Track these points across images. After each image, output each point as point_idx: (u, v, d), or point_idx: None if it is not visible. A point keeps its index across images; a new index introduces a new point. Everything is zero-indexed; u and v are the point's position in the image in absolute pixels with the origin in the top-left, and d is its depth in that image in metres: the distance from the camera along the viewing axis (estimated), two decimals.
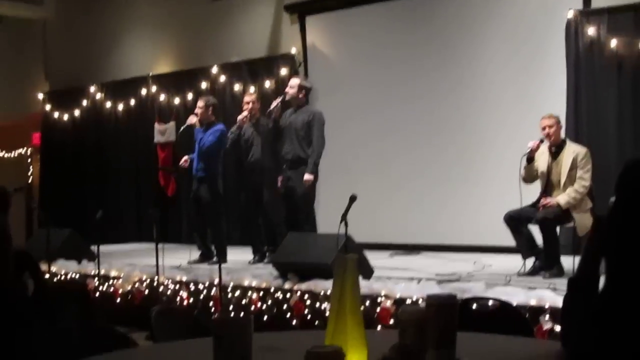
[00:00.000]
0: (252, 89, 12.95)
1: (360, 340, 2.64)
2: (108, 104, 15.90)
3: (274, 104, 10.11)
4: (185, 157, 10.94)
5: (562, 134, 8.80)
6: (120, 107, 15.66)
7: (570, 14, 10.33)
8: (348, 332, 2.62)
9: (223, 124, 10.85)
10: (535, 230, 8.57)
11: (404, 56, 11.92)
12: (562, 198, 8.39)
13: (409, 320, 2.70)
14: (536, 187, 8.78)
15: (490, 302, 4.08)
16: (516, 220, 8.57)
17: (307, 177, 9.75)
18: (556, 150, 8.61)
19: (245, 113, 10.46)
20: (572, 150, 8.52)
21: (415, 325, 2.69)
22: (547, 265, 8.34)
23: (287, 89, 10.14)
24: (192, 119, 10.74)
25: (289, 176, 9.93)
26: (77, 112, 16.50)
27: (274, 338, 3.23)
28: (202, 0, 14.54)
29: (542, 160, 8.65)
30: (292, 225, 9.77)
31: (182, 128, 11.03)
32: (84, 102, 16.32)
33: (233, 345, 2.34)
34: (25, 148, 18.37)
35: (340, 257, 2.76)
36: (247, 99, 10.67)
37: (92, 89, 16.12)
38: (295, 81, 10.22)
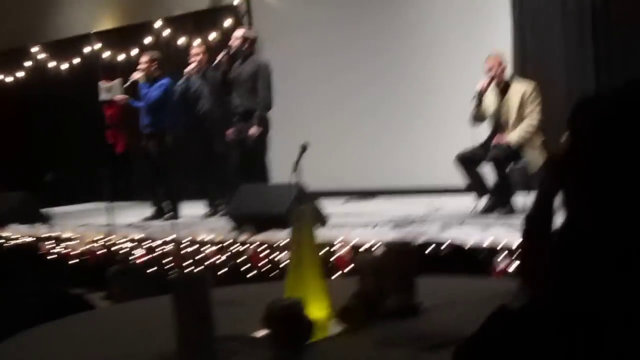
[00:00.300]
0: (198, 41, 12.80)
1: (320, 291, 2.63)
2: (52, 64, 15.67)
3: (219, 56, 10.03)
4: (123, 97, 10.88)
5: (508, 72, 8.81)
6: (65, 66, 15.45)
7: None
8: (307, 283, 2.60)
9: (169, 78, 10.75)
10: (487, 170, 8.61)
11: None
12: (513, 136, 8.43)
13: (368, 267, 2.70)
14: (487, 126, 8.82)
15: (444, 245, 4.11)
16: (468, 161, 8.60)
17: (253, 130, 9.72)
18: (503, 89, 8.63)
19: (192, 65, 10.38)
20: (519, 88, 8.54)
21: (374, 271, 2.69)
22: (500, 203, 8.40)
23: (231, 42, 10.07)
24: (136, 75, 10.65)
25: (239, 128, 9.88)
26: (20, 74, 16.24)
27: (233, 292, 3.21)
28: None
29: (489, 100, 8.67)
30: (245, 177, 9.74)
31: (124, 85, 10.90)
32: (27, 63, 16.06)
33: (192, 302, 2.31)
34: None
35: (295, 209, 2.74)
36: (194, 50, 10.59)
37: (35, 49, 15.87)
38: (238, 33, 10.15)
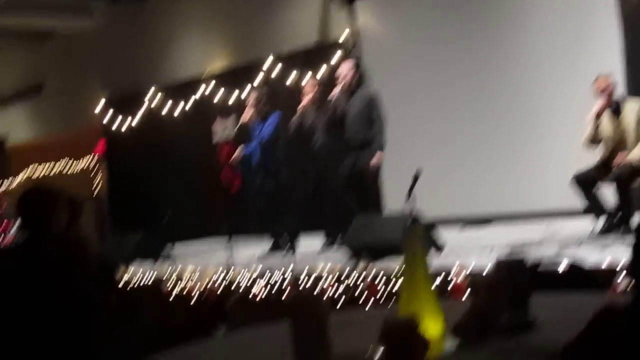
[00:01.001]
0: (312, 75, 12.86)
1: (434, 309, 2.66)
2: (167, 106, 16.02)
3: (332, 93, 10.10)
4: (238, 150, 11.04)
5: (619, 92, 8.69)
6: (179, 107, 15.79)
7: None
8: (421, 300, 2.64)
9: (279, 112, 10.91)
10: (603, 190, 8.50)
11: (455, 32, 11.85)
12: (635, 154, 8.29)
13: (481, 285, 2.72)
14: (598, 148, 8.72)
15: (563, 264, 4.08)
16: (585, 182, 8.49)
17: (377, 157, 9.84)
18: (616, 109, 8.52)
19: (306, 101, 10.52)
20: (634, 107, 8.43)
21: (487, 289, 2.70)
22: (620, 223, 8.26)
23: (341, 76, 10.16)
24: (246, 117, 10.78)
25: (356, 159, 9.96)
26: (137, 117, 16.65)
27: (349, 315, 3.26)
28: None
29: (604, 122, 8.57)
30: (362, 207, 9.81)
31: (238, 125, 11.03)
32: (143, 107, 16.45)
33: (309, 323, 2.36)
34: (89, 158, 18.63)
35: (408, 229, 2.79)
36: (307, 86, 10.72)
37: (150, 92, 16.26)
38: (347, 65, 10.27)
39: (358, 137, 9.98)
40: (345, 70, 10.21)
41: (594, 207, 8.51)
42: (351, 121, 10.00)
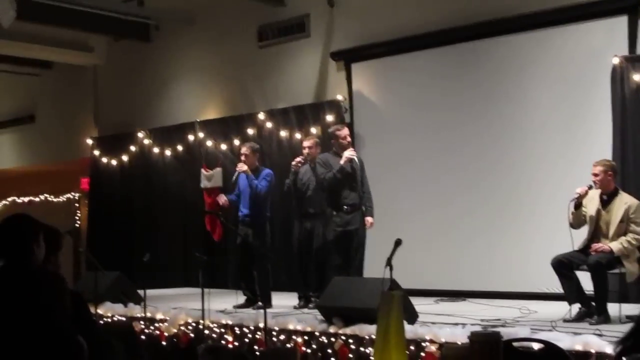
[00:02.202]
0: (307, 133, 12.91)
1: None
2: (156, 150, 16.06)
3: (342, 160, 10.13)
4: (224, 198, 11.05)
5: (614, 183, 8.76)
6: (168, 152, 15.83)
7: (616, 60, 10.29)
8: None
9: (270, 169, 10.98)
10: (581, 277, 8.53)
11: (450, 102, 11.94)
12: (614, 245, 8.37)
13: (453, 356, 2.73)
14: (583, 234, 8.76)
15: (536, 344, 4.09)
16: (565, 266, 8.53)
17: (372, 220, 10.22)
18: (607, 199, 8.60)
19: (299, 158, 10.56)
20: (625, 202, 8.52)
21: None
22: (595, 310, 8.29)
23: (339, 139, 10.27)
24: (243, 166, 10.78)
25: (348, 220, 10.02)
26: (125, 157, 16.67)
27: None
28: (249, 46, 14.69)
29: (591, 206, 8.64)
30: (344, 270, 9.86)
31: (235, 176, 11.02)
32: (132, 148, 16.51)
33: None
34: (73, 192, 18.62)
35: (385, 294, 2.80)
36: (305, 143, 10.77)
37: (140, 134, 16.31)
38: (345, 130, 10.41)
39: (353, 199, 10.06)
40: (346, 132, 10.33)
41: (570, 291, 8.53)
42: (346, 182, 10.07)
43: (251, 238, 10.65)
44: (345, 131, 10.40)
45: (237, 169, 10.87)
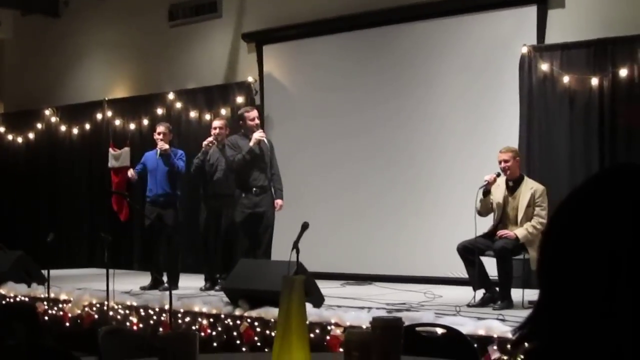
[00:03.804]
0: (217, 114, 12.84)
1: (306, 359, 2.65)
2: (63, 128, 15.81)
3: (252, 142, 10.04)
4: (132, 171, 10.93)
5: (519, 169, 8.87)
6: (75, 130, 15.59)
7: (525, 50, 10.44)
8: (293, 352, 2.63)
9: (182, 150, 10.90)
10: (485, 262, 8.64)
11: (359, 87, 11.98)
12: (520, 231, 8.45)
13: (355, 342, 2.72)
14: (488, 219, 8.86)
15: (439, 329, 4.12)
16: (470, 251, 8.61)
17: (282, 202, 10.18)
18: (513, 185, 8.70)
19: (210, 138, 10.47)
20: (530, 187, 8.62)
21: (361, 346, 2.71)
22: (498, 296, 8.40)
23: (248, 121, 10.17)
24: (164, 145, 10.61)
25: (257, 202, 9.99)
26: (31, 135, 16.37)
27: (221, 359, 3.23)
28: (160, 26, 14.52)
29: (498, 193, 8.73)
30: (251, 252, 9.85)
31: (158, 154, 10.83)
32: (39, 125, 16.22)
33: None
34: None
35: (287, 278, 2.77)
36: (215, 123, 10.65)
37: (47, 112, 16.02)
38: (255, 112, 10.33)
39: (262, 181, 10.02)
40: (255, 114, 10.25)
41: (475, 276, 8.63)
42: (255, 163, 10.01)
43: (165, 218, 10.51)
44: (254, 113, 10.33)
45: (159, 147, 10.66)
